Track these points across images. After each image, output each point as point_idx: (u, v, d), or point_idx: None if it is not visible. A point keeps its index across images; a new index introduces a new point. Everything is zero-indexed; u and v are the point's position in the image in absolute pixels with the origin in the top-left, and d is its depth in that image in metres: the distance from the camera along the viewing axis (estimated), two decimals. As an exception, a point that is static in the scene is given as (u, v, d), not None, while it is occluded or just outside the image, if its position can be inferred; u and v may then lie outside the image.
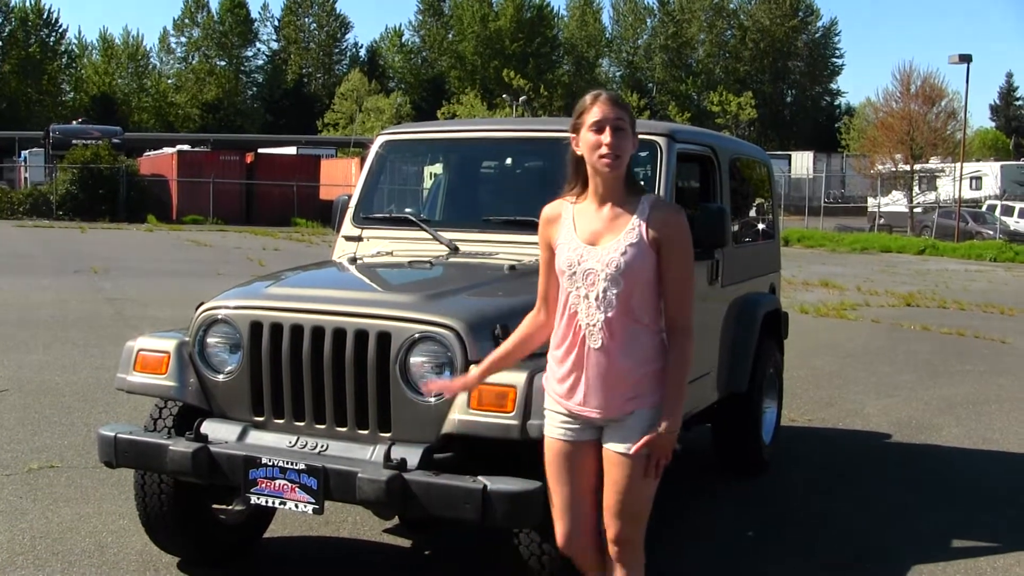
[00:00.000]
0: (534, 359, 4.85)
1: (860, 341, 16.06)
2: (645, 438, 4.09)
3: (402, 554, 6.51)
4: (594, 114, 4.11)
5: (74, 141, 49.39)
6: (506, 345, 4.53)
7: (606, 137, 4.07)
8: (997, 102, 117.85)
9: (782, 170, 60.50)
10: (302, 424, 5.18)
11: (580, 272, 4.13)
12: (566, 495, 4.30)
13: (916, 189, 52.93)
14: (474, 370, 4.56)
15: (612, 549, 4.29)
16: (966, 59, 45.57)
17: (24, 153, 58.84)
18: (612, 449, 4.17)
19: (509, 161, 7.53)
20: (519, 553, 4.93)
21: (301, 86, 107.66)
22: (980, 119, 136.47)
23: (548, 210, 4.36)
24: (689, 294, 4.22)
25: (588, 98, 4.20)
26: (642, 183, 4.52)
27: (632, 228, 4.11)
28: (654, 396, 4.14)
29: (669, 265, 4.12)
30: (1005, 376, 13.35)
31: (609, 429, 4.19)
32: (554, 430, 4.31)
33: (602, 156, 4.09)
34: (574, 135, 4.23)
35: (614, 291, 4.08)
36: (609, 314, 4.09)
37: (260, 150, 57.03)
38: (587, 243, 4.16)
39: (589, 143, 4.12)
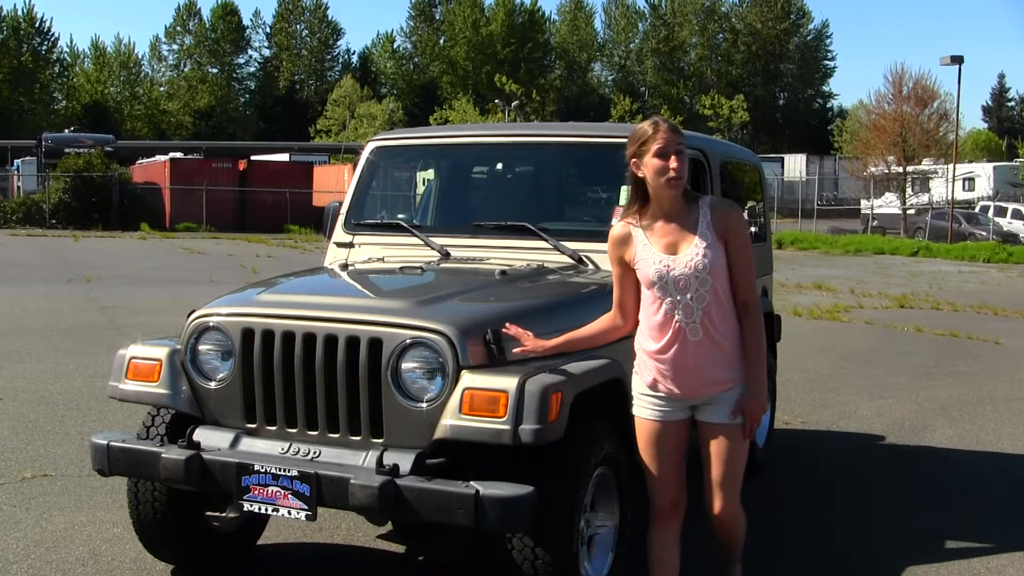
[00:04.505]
0: (525, 364, 4.89)
1: (853, 343, 16.08)
2: (744, 404, 4.79)
3: (395, 560, 6.51)
4: (658, 141, 4.63)
5: (67, 149, 49.51)
6: (581, 332, 5.11)
7: (672, 162, 4.62)
8: (989, 103, 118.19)
9: (775, 173, 60.53)
10: (294, 431, 5.17)
11: (671, 280, 4.71)
12: (659, 467, 4.94)
13: (909, 191, 53.06)
14: (555, 341, 5.03)
15: (721, 522, 5.03)
16: (958, 60, 45.74)
17: (17, 162, 58.93)
18: (714, 422, 4.86)
19: (500, 166, 7.54)
20: (512, 558, 4.93)
21: (293, 93, 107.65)
22: (972, 120, 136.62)
23: (616, 231, 4.91)
24: (753, 275, 4.86)
25: (648, 127, 4.72)
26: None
27: (702, 230, 4.70)
28: (742, 372, 4.81)
29: (736, 255, 4.76)
30: (998, 377, 13.37)
31: (707, 407, 4.86)
32: (648, 412, 4.93)
33: (670, 179, 4.64)
34: (635, 159, 4.73)
35: (705, 288, 4.68)
36: (704, 308, 4.70)
37: (253, 157, 57.01)
38: (668, 253, 4.73)
39: (655, 167, 4.65)
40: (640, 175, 4.75)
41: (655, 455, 4.94)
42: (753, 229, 8.78)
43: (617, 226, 4.92)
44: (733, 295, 4.79)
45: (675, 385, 4.81)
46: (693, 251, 4.68)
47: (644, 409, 4.95)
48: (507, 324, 4.97)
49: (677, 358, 4.76)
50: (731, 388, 4.81)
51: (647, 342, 4.86)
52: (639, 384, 4.96)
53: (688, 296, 4.68)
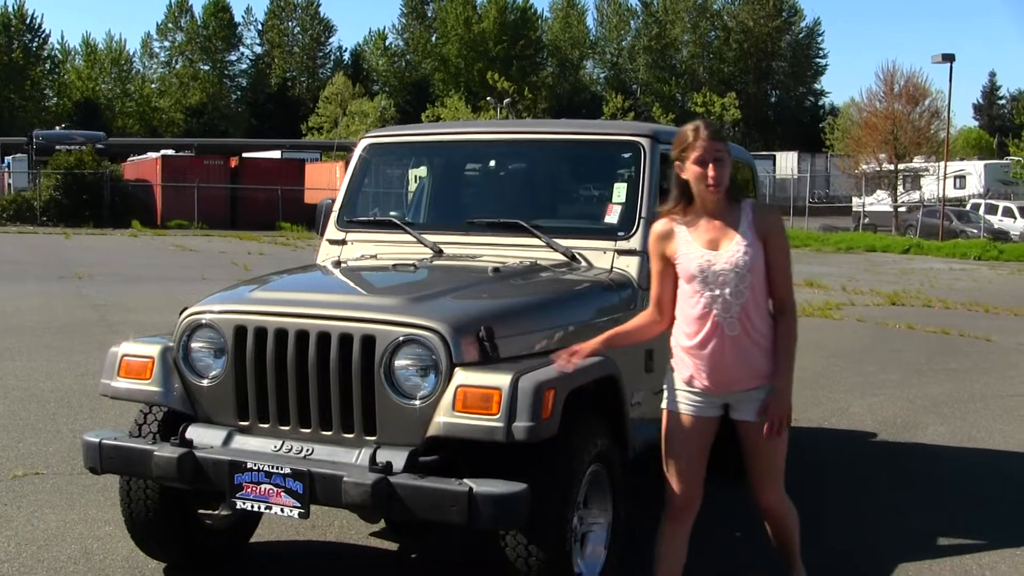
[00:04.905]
0: (518, 362, 4.90)
1: (845, 341, 16.10)
2: (767, 403, 4.89)
3: (388, 558, 6.50)
4: (697, 150, 4.80)
5: (58, 147, 49.42)
6: (621, 329, 5.20)
7: (710, 171, 4.79)
8: (980, 101, 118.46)
9: (767, 171, 60.57)
10: (287, 428, 5.16)
11: (711, 274, 4.83)
12: (684, 461, 5.04)
13: (900, 188, 53.12)
14: (593, 343, 5.04)
15: (768, 513, 5.26)
16: (949, 58, 45.84)
17: (7, 159, 58.69)
18: (750, 420, 4.98)
19: (493, 163, 7.53)
20: (505, 555, 4.93)
21: (285, 90, 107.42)
22: (963, 118, 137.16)
23: (659, 227, 5.04)
24: (790, 277, 5.00)
25: (690, 132, 4.88)
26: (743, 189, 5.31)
27: (744, 229, 4.85)
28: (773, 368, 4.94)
29: (774, 255, 4.90)
30: (990, 374, 13.39)
31: (742, 404, 4.98)
32: (682, 406, 5.03)
33: (708, 185, 4.81)
34: (678, 162, 4.91)
35: (744, 285, 4.81)
36: (741, 304, 4.82)
37: (245, 154, 56.91)
38: (710, 249, 4.86)
39: (695, 174, 4.83)
40: (684, 176, 4.91)
41: (682, 449, 5.05)
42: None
43: (660, 222, 5.05)
44: (771, 294, 4.95)
45: (710, 380, 4.91)
46: (734, 248, 4.82)
47: (678, 403, 5.05)
48: (556, 356, 4.97)
49: (714, 352, 4.87)
50: (765, 385, 4.93)
51: (684, 337, 4.97)
52: (676, 380, 5.05)
53: (727, 291, 4.81)
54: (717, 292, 4.83)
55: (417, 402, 4.88)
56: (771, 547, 5.49)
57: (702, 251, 4.86)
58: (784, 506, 5.28)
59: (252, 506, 4.96)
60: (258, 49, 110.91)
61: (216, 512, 5.89)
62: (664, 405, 5.13)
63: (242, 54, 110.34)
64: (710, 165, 4.79)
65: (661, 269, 5.04)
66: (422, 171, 7.91)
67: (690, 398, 5.00)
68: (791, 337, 4.97)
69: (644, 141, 6.61)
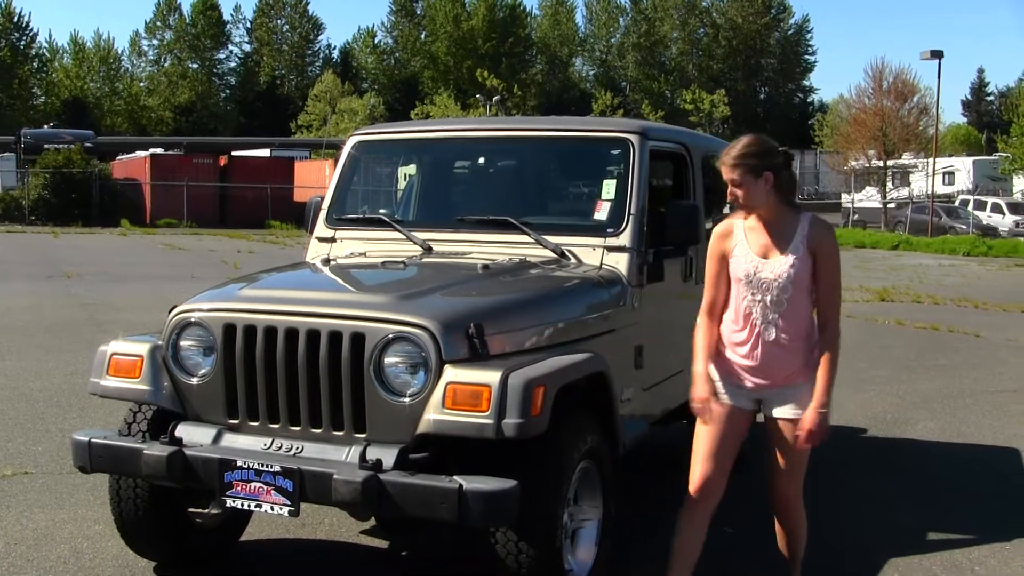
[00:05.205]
0: (508, 358, 4.90)
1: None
2: (805, 422, 5.03)
3: (379, 555, 6.50)
4: (724, 173, 5.04)
5: (46, 145, 49.38)
6: (704, 350, 5.21)
7: (732, 191, 5.03)
8: (969, 97, 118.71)
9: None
10: (277, 426, 5.16)
11: (756, 281, 5.04)
12: (711, 448, 5.19)
13: (889, 185, 53.18)
14: (697, 379, 5.15)
15: (781, 506, 5.40)
16: (938, 55, 45.94)
17: (-4, 158, 58.54)
18: (780, 416, 5.16)
19: (482, 161, 7.52)
20: (496, 552, 4.93)
21: (274, 88, 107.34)
22: (952, 114, 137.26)
23: (721, 227, 5.25)
24: (839, 296, 5.10)
25: (724, 152, 5.08)
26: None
27: (797, 244, 5.02)
28: (809, 372, 5.07)
29: (823, 273, 5.04)
30: (979, 370, 13.42)
31: (775, 399, 5.16)
32: (717, 395, 5.20)
33: (737, 205, 5.08)
34: None
35: (785, 296, 5.01)
36: (780, 313, 5.03)
37: (234, 153, 56.86)
38: (760, 256, 5.06)
39: (729, 193, 5.08)
40: None
41: (710, 436, 5.20)
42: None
43: (723, 222, 5.27)
44: (817, 309, 5.12)
45: (744, 376, 5.15)
46: (783, 260, 5.01)
47: (715, 392, 5.22)
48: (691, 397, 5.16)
49: (750, 353, 5.10)
50: (795, 385, 5.10)
51: (729, 332, 5.20)
52: (714, 370, 5.23)
53: (768, 299, 5.03)
54: (759, 298, 5.05)
55: (407, 399, 4.88)
56: (777, 550, 5.53)
57: (753, 257, 5.07)
58: (799, 503, 5.42)
59: (242, 504, 4.95)
60: (247, 47, 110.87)
61: (206, 510, 5.87)
62: None
63: (231, 52, 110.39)
64: (730, 188, 5.03)
65: (717, 272, 5.22)
66: (411, 169, 7.90)
67: (725, 388, 5.21)
68: (833, 354, 5.06)
69: (633, 138, 6.61)
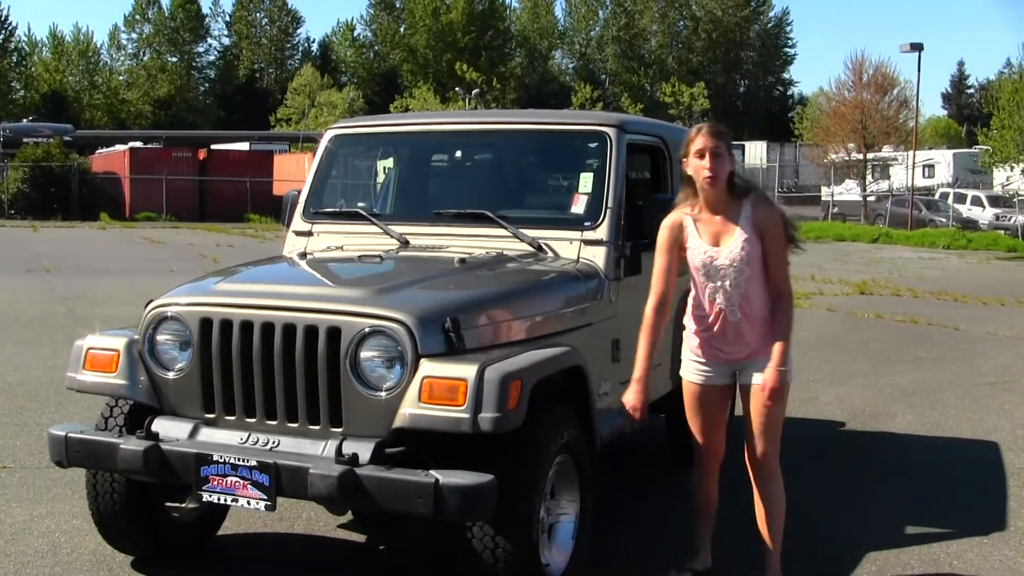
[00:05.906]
0: (484, 352, 4.91)
1: (814, 330, 16.13)
2: (767, 381, 5.29)
3: (356, 549, 6.51)
4: (697, 143, 5.26)
5: (25, 139, 49.06)
6: (648, 343, 5.48)
7: (706, 162, 5.23)
8: (949, 90, 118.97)
9: (736, 160, 60.55)
10: (253, 420, 5.16)
11: (712, 269, 5.34)
12: (702, 423, 5.66)
13: (869, 178, 53.32)
14: (635, 385, 5.45)
15: (756, 466, 5.59)
16: (917, 48, 46.06)
17: (-26, 152, 58.28)
18: (751, 383, 5.45)
19: (460, 154, 7.51)
20: (472, 546, 4.93)
21: (253, 81, 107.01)
22: (932, 107, 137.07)
23: (670, 219, 5.49)
24: (787, 266, 5.44)
25: (693, 131, 5.36)
26: (741, 181, 5.48)
27: (744, 226, 5.30)
28: (775, 340, 5.34)
29: (772, 248, 5.35)
30: (958, 363, 13.48)
31: (745, 370, 5.49)
32: (694, 376, 5.61)
33: (705, 177, 5.25)
34: (684, 159, 5.36)
35: (742, 278, 5.31)
36: (741, 294, 5.33)
37: (213, 146, 56.61)
38: (712, 244, 5.35)
39: (695, 167, 5.29)
40: (687, 171, 5.36)
41: (698, 413, 5.66)
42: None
43: (672, 215, 5.50)
44: (769, 282, 5.39)
45: (717, 355, 5.51)
46: (734, 244, 5.30)
47: (691, 373, 5.63)
48: (624, 403, 5.49)
49: (719, 334, 5.44)
50: (765, 356, 5.35)
51: (693, 320, 5.56)
52: (688, 353, 5.65)
53: (727, 283, 5.33)
54: (719, 284, 5.35)
55: (383, 393, 4.88)
56: (755, 530, 5.59)
57: (705, 247, 5.36)
58: (775, 464, 5.61)
59: (218, 499, 4.95)
60: (226, 40, 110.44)
61: (183, 505, 5.85)
62: (681, 374, 5.71)
63: (210, 46, 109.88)
64: (707, 156, 5.22)
65: (667, 265, 5.49)
66: (389, 162, 7.89)
67: (701, 368, 5.59)
68: (787, 320, 5.38)
69: (611, 131, 6.62)
